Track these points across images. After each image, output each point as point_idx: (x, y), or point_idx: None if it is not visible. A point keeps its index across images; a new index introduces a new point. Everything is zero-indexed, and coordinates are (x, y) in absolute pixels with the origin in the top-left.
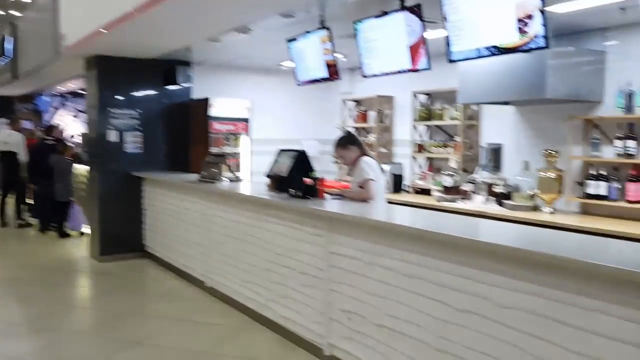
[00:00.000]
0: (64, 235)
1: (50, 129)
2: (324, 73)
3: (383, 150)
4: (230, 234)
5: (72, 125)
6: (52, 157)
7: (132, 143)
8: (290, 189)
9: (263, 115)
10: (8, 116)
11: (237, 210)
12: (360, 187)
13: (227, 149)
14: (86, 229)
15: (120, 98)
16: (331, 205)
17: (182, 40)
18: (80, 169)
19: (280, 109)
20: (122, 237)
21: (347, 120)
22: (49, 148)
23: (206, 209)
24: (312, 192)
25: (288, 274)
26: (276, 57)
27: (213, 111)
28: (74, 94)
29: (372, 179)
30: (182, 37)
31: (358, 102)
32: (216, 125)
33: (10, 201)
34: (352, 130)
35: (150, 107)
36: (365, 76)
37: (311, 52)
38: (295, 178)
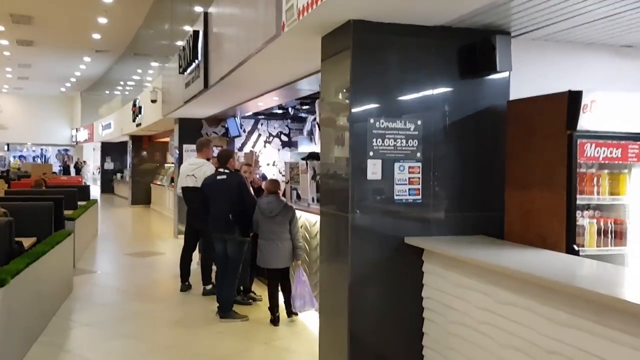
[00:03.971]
0: (275, 321)
1: (226, 156)
2: None
3: None
4: None
5: (266, 152)
6: (266, 200)
7: (405, 183)
8: None
9: None
10: (196, 141)
11: None
12: None
13: (597, 198)
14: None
15: (388, 100)
16: None
17: None
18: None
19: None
20: (384, 356)
21: None
22: (224, 184)
23: None
24: None
25: None
26: None
27: (584, 121)
28: (268, 115)
29: None
30: None
31: None
32: (587, 149)
33: (196, 256)
34: None
35: (433, 116)
36: None
37: None
38: None
